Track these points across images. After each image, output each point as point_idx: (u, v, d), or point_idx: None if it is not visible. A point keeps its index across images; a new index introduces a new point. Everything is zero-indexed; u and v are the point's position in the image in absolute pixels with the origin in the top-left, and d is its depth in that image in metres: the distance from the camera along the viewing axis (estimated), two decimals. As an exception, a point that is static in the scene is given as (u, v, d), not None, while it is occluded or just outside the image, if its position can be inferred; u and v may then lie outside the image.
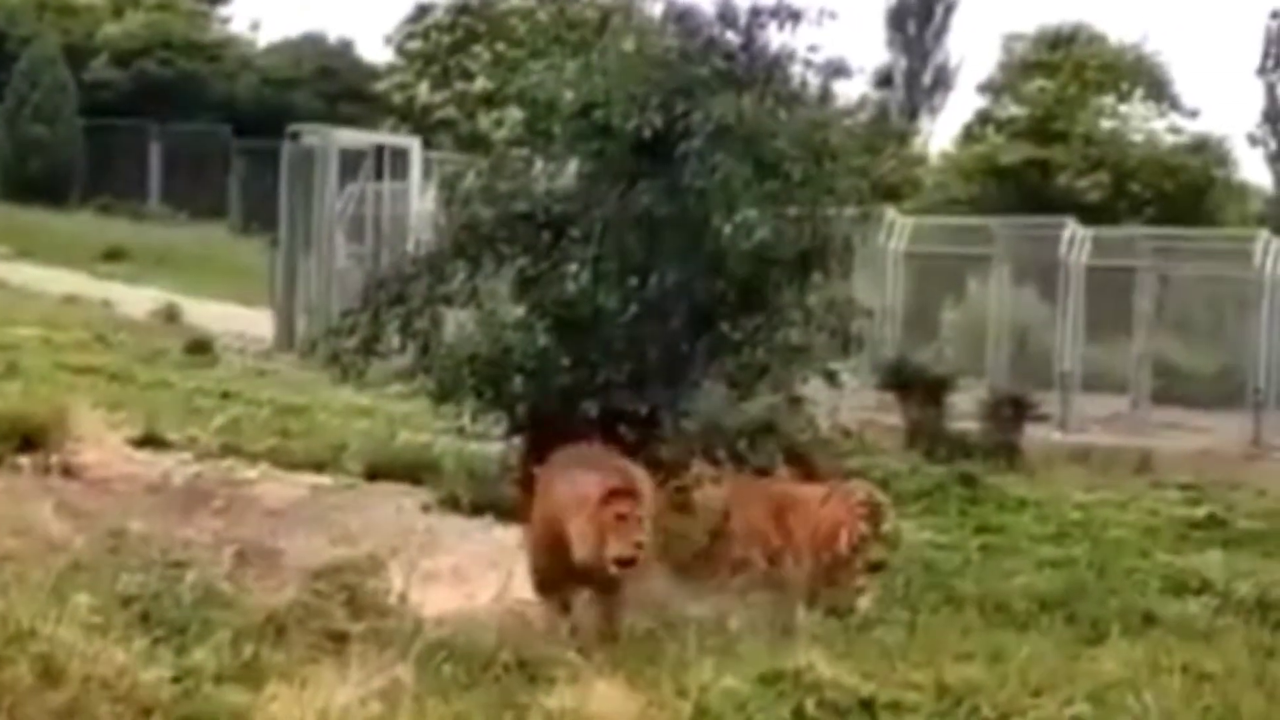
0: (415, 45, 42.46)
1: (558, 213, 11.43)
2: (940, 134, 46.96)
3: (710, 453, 11.36)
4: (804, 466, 11.56)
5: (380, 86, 42.71)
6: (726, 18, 11.57)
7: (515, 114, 15.45)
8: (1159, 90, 38.82)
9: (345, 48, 47.85)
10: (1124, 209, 34.53)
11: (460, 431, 12.11)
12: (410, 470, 13.24)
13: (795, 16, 11.40)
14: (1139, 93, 38.76)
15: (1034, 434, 18.25)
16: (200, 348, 22.05)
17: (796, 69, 11.68)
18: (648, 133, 10.98)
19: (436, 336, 11.66)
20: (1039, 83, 37.94)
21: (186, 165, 42.77)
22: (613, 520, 8.43)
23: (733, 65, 11.46)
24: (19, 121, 41.39)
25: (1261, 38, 39.79)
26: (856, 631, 8.98)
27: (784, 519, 10.24)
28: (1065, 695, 7.36)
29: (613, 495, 8.50)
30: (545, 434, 11.09)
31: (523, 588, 9.28)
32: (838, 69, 11.85)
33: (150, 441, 13.54)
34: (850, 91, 42.04)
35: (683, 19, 11.72)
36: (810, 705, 7.07)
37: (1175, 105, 38.79)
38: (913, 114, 46.57)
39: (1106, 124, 37.89)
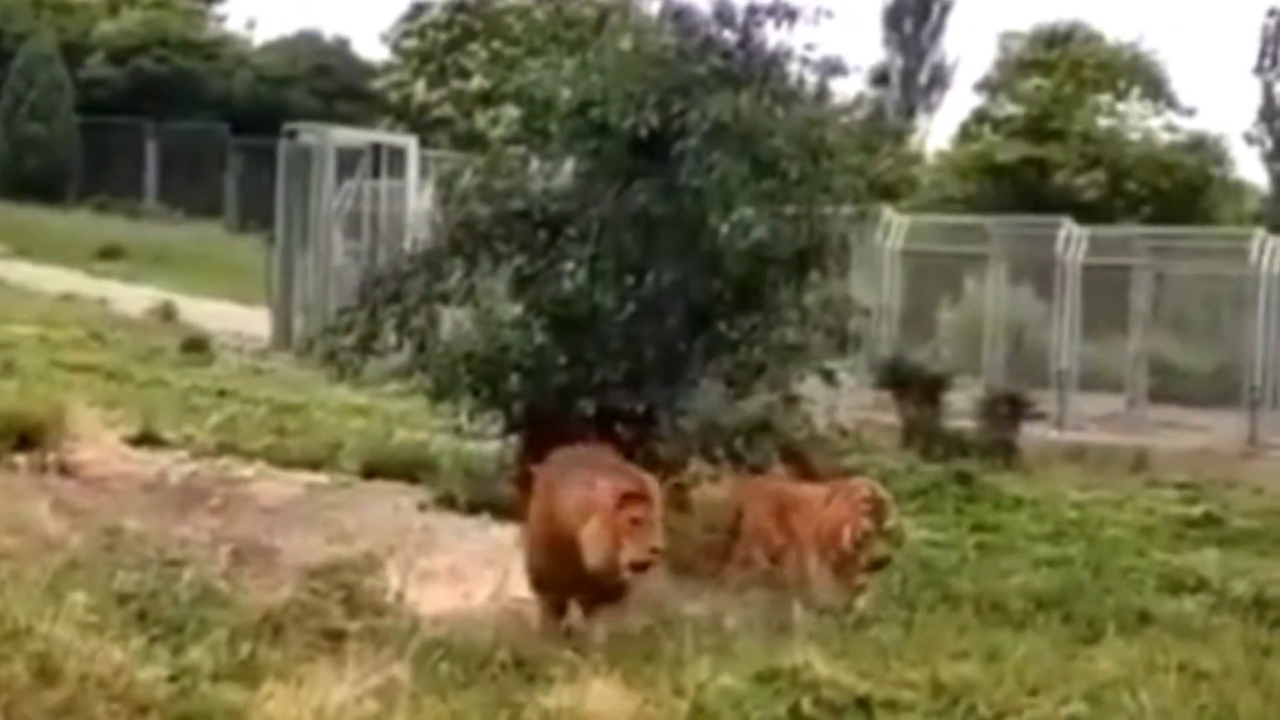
0: (412, 43, 42.44)
1: (554, 211, 11.43)
2: (937, 132, 46.98)
3: (707, 451, 11.37)
4: (801, 465, 11.57)
5: (377, 85, 42.68)
6: (723, 16, 11.57)
7: (512, 112, 15.48)
8: (1156, 89, 38.83)
9: (341, 46, 47.84)
10: (1120, 207, 34.52)
11: (457, 430, 12.10)
12: (407, 469, 13.23)
13: (792, 15, 11.40)
14: (1136, 91, 38.75)
15: (1030, 433, 18.25)
16: (196, 346, 22.05)
17: (793, 67, 11.68)
18: (644, 131, 10.97)
19: (433, 335, 11.66)
20: (1035, 81, 37.93)
21: (183, 163, 42.73)
22: (627, 525, 8.30)
23: (729, 64, 11.46)
24: (15, 119, 41.38)
25: (1258, 36, 39.84)
26: (853, 630, 8.99)
27: (787, 518, 10.25)
28: (1061, 694, 7.37)
29: (626, 499, 8.38)
30: (542, 433, 11.09)
31: (519, 586, 9.28)
32: (834, 67, 11.85)
33: (147, 440, 13.53)
34: (847, 90, 42.13)
35: (680, 17, 11.71)
36: (807, 704, 7.07)
37: (1172, 104, 38.81)
38: (909, 112, 46.58)
39: (1103, 122, 37.87)
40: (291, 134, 26.00)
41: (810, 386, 12.18)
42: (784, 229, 11.20)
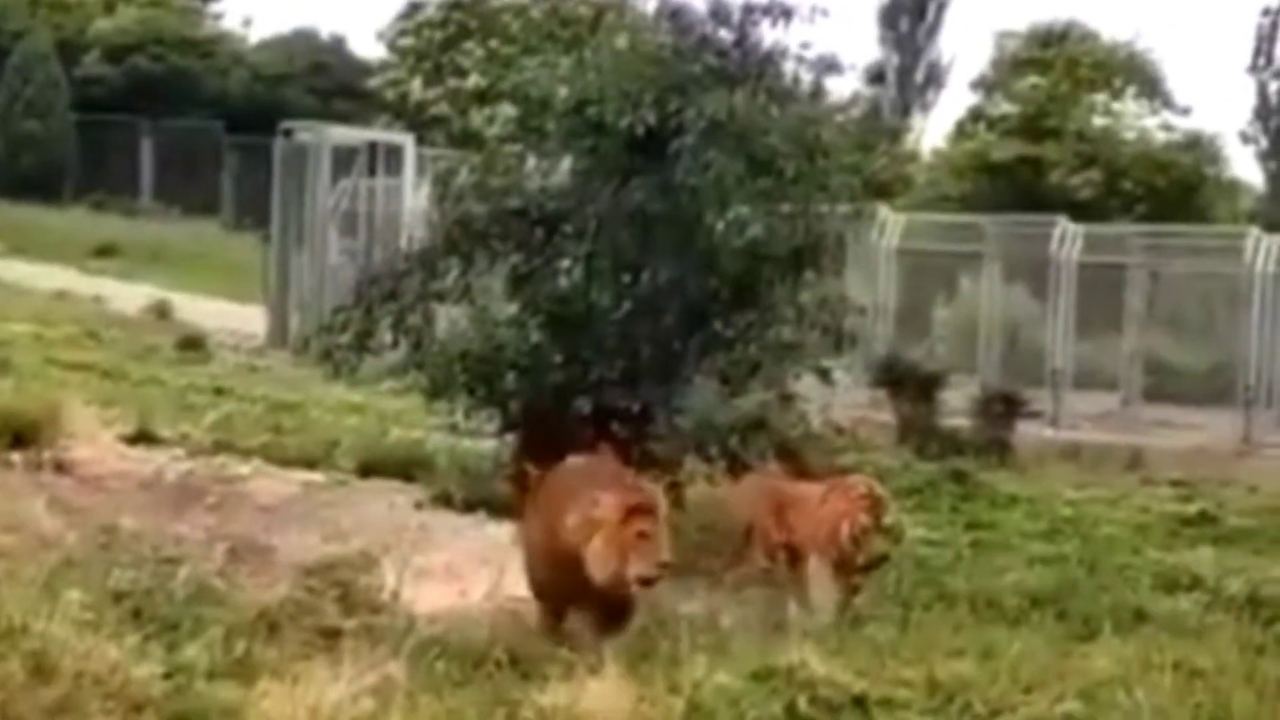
0: (408, 41, 42.38)
1: (551, 209, 11.43)
2: (932, 131, 46.85)
3: (703, 449, 11.38)
4: (796, 463, 11.57)
5: (373, 83, 42.64)
6: (719, 15, 11.58)
7: (508, 111, 15.45)
8: (1151, 87, 38.81)
9: (338, 44, 47.80)
10: (1115, 206, 34.49)
11: (453, 428, 12.10)
12: (403, 467, 13.22)
13: (787, 13, 11.41)
14: (1131, 90, 38.73)
15: (1025, 431, 18.26)
16: (192, 344, 22.03)
17: (789, 66, 11.69)
18: (641, 129, 10.98)
19: (429, 333, 11.66)
20: (1031, 80, 37.91)
21: (179, 161, 42.70)
22: (634, 539, 8.14)
23: (725, 62, 11.46)
24: (11, 117, 41.34)
25: (1253, 35, 39.83)
26: (849, 628, 8.98)
27: (785, 516, 10.25)
28: (1056, 692, 7.36)
29: (632, 514, 8.21)
30: (538, 431, 11.10)
31: (515, 585, 9.27)
32: (830, 66, 11.86)
33: (142, 438, 13.52)
34: (842, 88, 42.18)
35: (676, 16, 11.72)
36: (803, 702, 7.06)
37: (1167, 103, 38.79)
38: (905, 111, 46.55)
39: (1098, 121, 37.84)
40: (287, 132, 25.98)
41: (806, 385, 12.19)
42: (780, 227, 11.21)
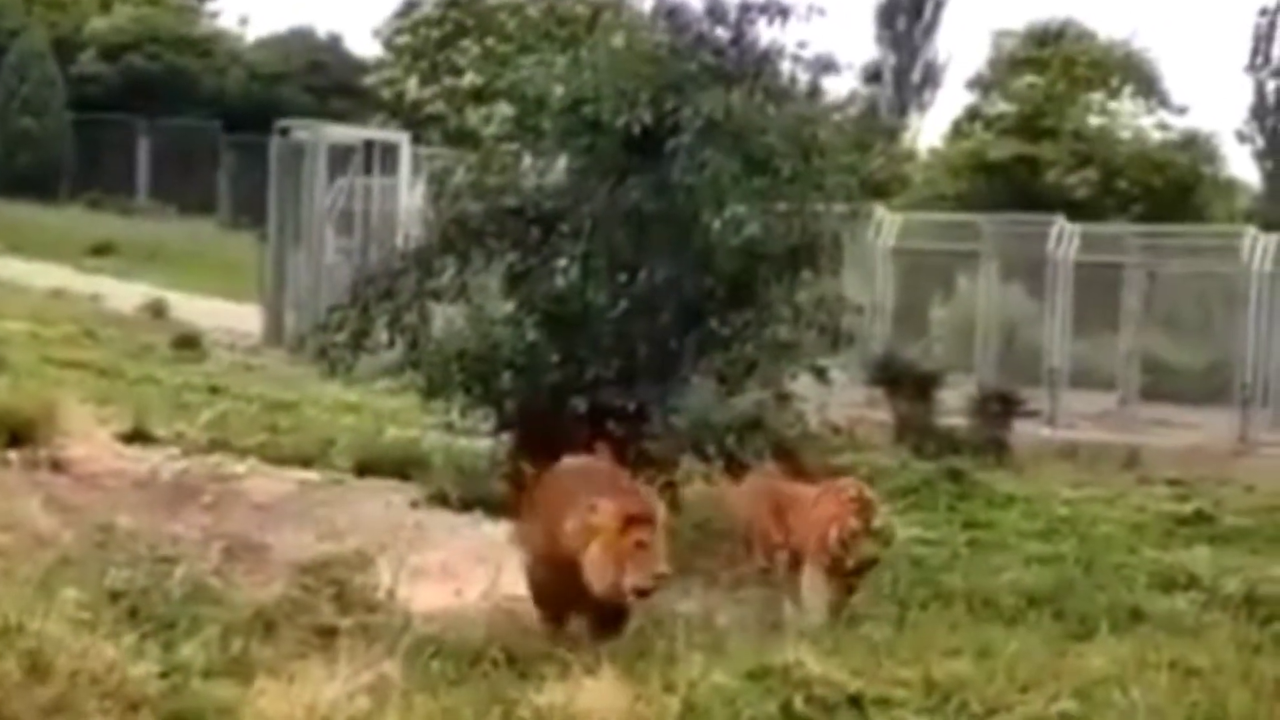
0: (404, 40, 42.37)
1: (547, 208, 11.44)
2: (929, 130, 47.03)
3: (699, 449, 11.38)
4: (792, 463, 11.57)
5: (369, 81, 42.61)
6: (716, 13, 11.58)
7: (505, 109, 15.48)
8: (1148, 87, 38.82)
9: (334, 43, 47.79)
10: (1112, 205, 34.50)
11: (449, 427, 12.11)
12: (399, 466, 13.21)
13: (784, 12, 11.42)
14: (1128, 89, 38.74)
15: (1022, 430, 18.26)
16: (188, 343, 22.03)
17: (786, 65, 11.72)
18: (637, 128, 10.99)
19: (425, 332, 11.67)
20: (1028, 79, 37.91)
21: (175, 160, 42.68)
22: (631, 549, 8.03)
23: (722, 61, 11.47)
24: (7, 115, 41.31)
25: (1250, 34, 39.84)
26: (845, 628, 8.98)
27: (783, 516, 10.25)
28: (1052, 691, 7.36)
29: (630, 523, 8.09)
30: (534, 430, 11.11)
31: (512, 584, 9.27)
32: (827, 65, 11.87)
33: (138, 437, 13.50)
34: (839, 87, 42.20)
35: (672, 15, 11.73)
36: (799, 701, 7.06)
37: (1164, 102, 38.80)
38: (902, 110, 46.57)
39: (1095, 120, 37.84)
40: (284, 131, 25.98)
41: (802, 384, 12.19)
42: (776, 226, 11.22)
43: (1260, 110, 39.95)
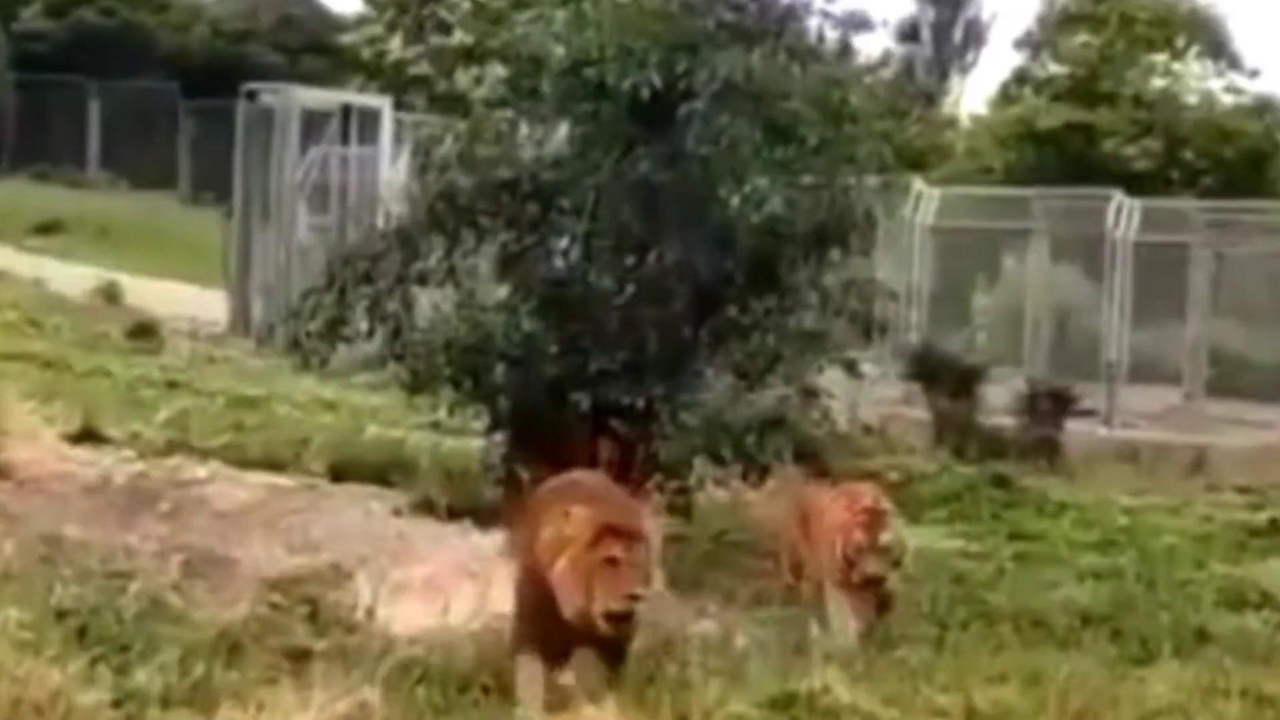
0: (386, -7, 42.45)
1: (545, 181, 11.45)
2: (972, 95, 46.98)
3: (714, 451, 11.38)
4: (818, 467, 11.58)
5: (347, 40, 42.67)
6: (734, -36, 11.58)
7: (498, 71, 15.48)
8: (1216, 47, 38.82)
9: (307, -4, 47.90)
10: (1177, 179, 34.58)
11: (436, 426, 12.13)
12: (380, 470, 13.24)
13: (811, -38, 11.42)
14: (1194, 50, 38.76)
15: (1076, 430, 18.31)
16: (144, 332, 22.09)
17: (812, 21, 11.71)
18: (646, 92, 10.98)
19: (409, 320, 11.67)
20: (1082, 38, 37.95)
21: (130, 127, 42.76)
22: (600, 565, 7.37)
23: (741, 17, 11.46)
24: (-58, 77, 41.44)
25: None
26: (878, 650, 8.99)
27: (809, 527, 10.23)
28: (1110, 721, 7.39)
29: (603, 534, 7.45)
30: (530, 429, 11.11)
31: (504, 601, 9.27)
32: (858, 22, 11.88)
33: (88, 437, 13.54)
34: (872, 47, 42.19)
35: (685, -35, 11.72)
36: (825, 732, 7.09)
37: (1234, 64, 38.80)
38: (942, 72, 46.63)
39: (1157, 84, 37.88)
40: (251, 95, 26.02)
41: (830, 378, 12.18)
42: (801, 201, 11.22)
43: (1342, 73, 39.92)
